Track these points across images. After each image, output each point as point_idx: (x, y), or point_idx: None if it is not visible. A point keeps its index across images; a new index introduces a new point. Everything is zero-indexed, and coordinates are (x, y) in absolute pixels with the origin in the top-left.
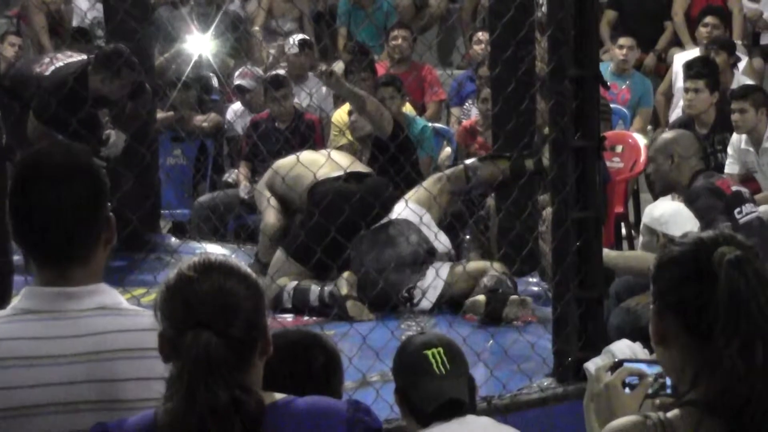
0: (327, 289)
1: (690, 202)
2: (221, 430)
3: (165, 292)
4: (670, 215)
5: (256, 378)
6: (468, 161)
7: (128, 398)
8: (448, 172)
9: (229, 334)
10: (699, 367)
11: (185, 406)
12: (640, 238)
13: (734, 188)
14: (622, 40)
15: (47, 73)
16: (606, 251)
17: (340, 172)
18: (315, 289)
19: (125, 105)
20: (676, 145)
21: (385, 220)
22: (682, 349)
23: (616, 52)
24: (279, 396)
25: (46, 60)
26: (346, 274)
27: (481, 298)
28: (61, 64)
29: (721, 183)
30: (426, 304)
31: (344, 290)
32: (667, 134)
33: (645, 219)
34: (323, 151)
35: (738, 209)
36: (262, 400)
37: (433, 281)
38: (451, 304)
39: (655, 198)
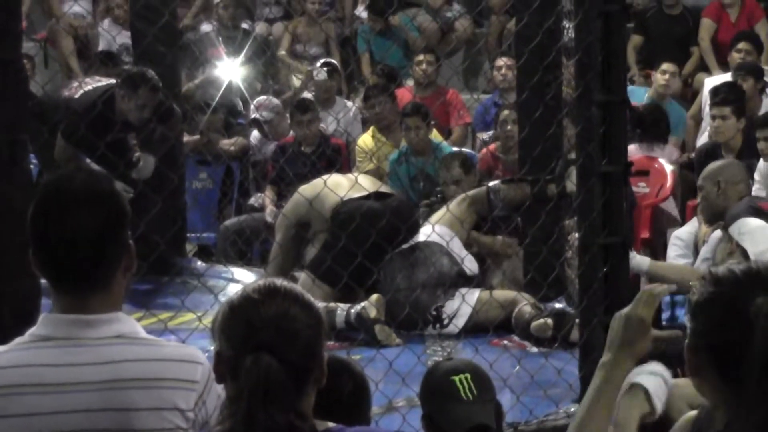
0: (353, 311)
1: (731, 219)
2: None
3: (228, 312)
4: (752, 228)
5: (309, 406)
6: (491, 183)
7: (143, 428)
8: (471, 193)
9: (288, 359)
10: (732, 411)
11: (243, 428)
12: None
13: None
14: (665, 66)
15: (76, 96)
16: (648, 259)
17: (365, 192)
18: (341, 312)
19: (154, 128)
20: (723, 172)
21: (413, 242)
22: (714, 390)
23: (658, 77)
24: (331, 424)
25: (75, 84)
26: (374, 297)
27: (548, 320)
28: (89, 87)
29: (764, 205)
30: (452, 329)
31: (372, 313)
32: (715, 163)
33: (731, 225)
34: (349, 175)
35: None
36: (315, 426)
37: (461, 306)
38: (476, 329)
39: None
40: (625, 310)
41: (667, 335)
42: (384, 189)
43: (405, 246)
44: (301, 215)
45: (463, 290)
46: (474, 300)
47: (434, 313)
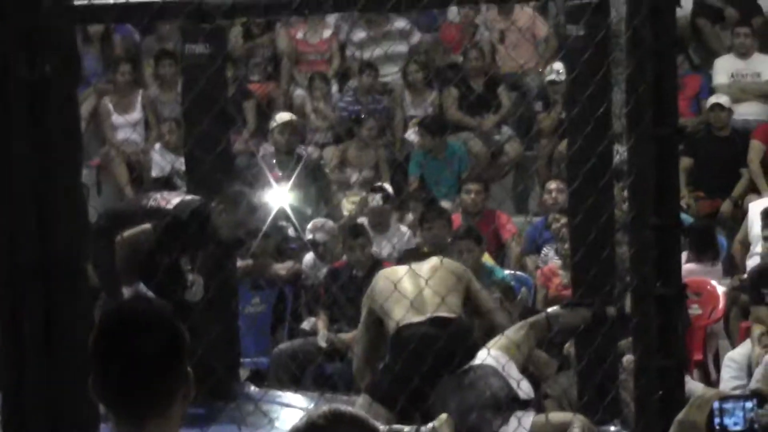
0: (423, 430)
1: None
2: None
3: None
4: None
5: None
6: (550, 310)
7: None
8: (531, 320)
9: None
10: None
11: None
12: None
13: None
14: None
15: (171, 205)
16: (702, 386)
17: (423, 317)
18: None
19: (213, 251)
20: None
21: (466, 366)
22: None
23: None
24: None
25: (157, 196)
26: (443, 417)
27: None
28: (179, 199)
29: None
30: None
31: None
32: None
33: None
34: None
35: None
36: None
37: (516, 430)
38: None
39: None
40: (680, 415)
41: None
42: (443, 310)
43: (459, 370)
44: (373, 309)
45: (519, 413)
46: (529, 423)
47: None
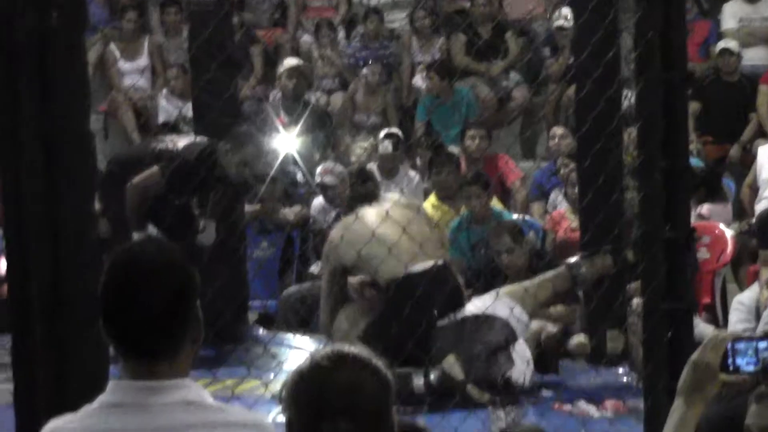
0: (434, 375)
1: None
2: None
3: (299, 380)
4: None
5: None
6: (570, 260)
7: None
8: (551, 272)
9: (362, 425)
10: None
11: None
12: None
13: None
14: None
15: (179, 147)
16: (711, 328)
17: (430, 264)
18: (417, 376)
19: (223, 195)
20: None
21: (470, 314)
22: None
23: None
24: None
25: (165, 139)
26: (451, 358)
27: (583, 339)
28: (187, 141)
29: None
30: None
31: (459, 375)
32: None
33: None
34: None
35: None
36: None
37: (525, 366)
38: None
39: None
40: (693, 355)
41: (734, 379)
42: (438, 253)
43: (455, 318)
44: (342, 259)
45: (517, 349)
46: (528, 353)
47: (502, 382)
